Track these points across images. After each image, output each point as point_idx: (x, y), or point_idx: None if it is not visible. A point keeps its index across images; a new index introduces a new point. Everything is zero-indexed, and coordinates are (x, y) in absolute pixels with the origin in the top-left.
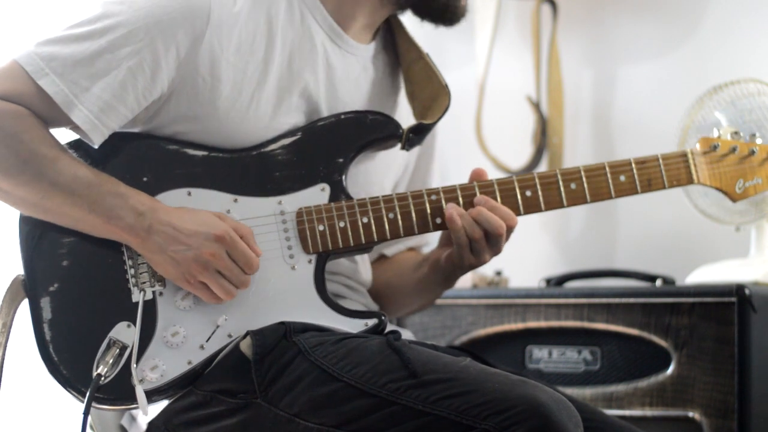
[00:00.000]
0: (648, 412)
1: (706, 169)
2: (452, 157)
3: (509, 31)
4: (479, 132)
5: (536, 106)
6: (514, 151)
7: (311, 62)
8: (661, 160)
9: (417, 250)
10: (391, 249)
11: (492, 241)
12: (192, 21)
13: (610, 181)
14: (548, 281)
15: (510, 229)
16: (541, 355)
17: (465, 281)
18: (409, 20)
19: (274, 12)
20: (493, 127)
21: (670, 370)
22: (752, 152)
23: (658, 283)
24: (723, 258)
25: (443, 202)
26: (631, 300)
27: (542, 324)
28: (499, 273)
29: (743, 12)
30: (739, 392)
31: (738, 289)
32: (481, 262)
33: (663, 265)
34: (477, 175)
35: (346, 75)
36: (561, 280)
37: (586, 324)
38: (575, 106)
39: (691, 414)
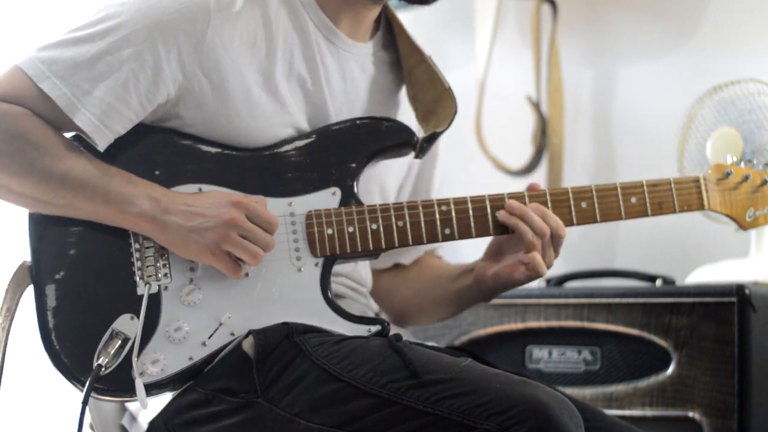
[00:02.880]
0: (648, 412)
1: (717, 195)
2: (452, 157)
3: (509, 31)
4: (479, 132)
5: (536, 106)
6: (514, 151)
7: (309, 61)
8: (673, 185)
9: (435, 253)
10: (407, 257)
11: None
12: (192, 22)
13: (621, 202)
14: (548, 281)
15: (558, 242)
16: (541, 355)
17: None
18: (408, 22)
19: (273, 11)
20: (493, 127)
21: (670, 370)
22: (765, 182)
23: (658, 283)
24: (723, 258)
25: (453, 213)
26: (631, 300)
27: (542, 324)
28: None
29: (743, 12)
30: (739, 392)
31: (738, 289)
32: (528, 280)
33: (663, 265)
34: None
35: (341, 74)
36: (561, 280)
37: (586, 324)
38: (575, 106)
39: (691, 414)
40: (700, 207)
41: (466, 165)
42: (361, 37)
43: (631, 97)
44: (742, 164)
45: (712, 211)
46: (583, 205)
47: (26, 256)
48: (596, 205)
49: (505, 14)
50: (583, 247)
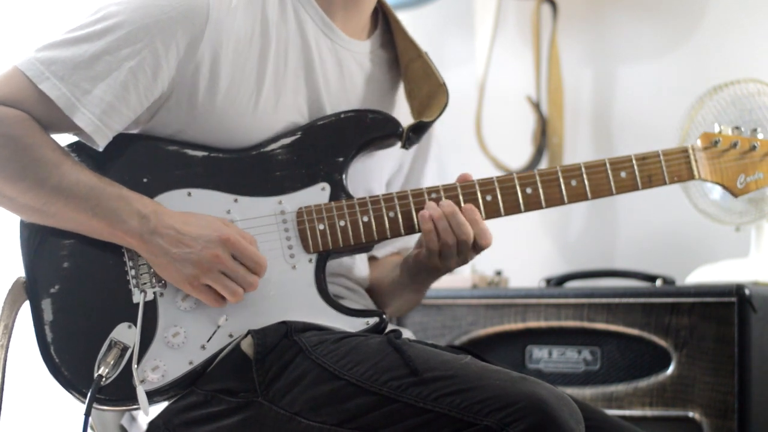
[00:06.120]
0: (648, 412)
1: (707, 164)
2: (452, 157)
3: (509, 31)
4: (479, 132)
5: (536, 106)
6: (514, 151)
7: (306, 58)
8: (661, 156)
9: (402, 254)
10: (381, 251)
11: (461, 249)
12: (191, 20)
13: (610, 177)
14: (548, 281)
15: (480, 248)
16: (541, 355)
17: (465, 281)
18: (408, 22)
19: (269, 7)
20: (493, 127)
21: (670, 370)
22: (753, 147)
23: (658, 283)
24: (723, 258)
25: (443, 200)
26: (631, 300)
27: (542, 324)
28: (499, 273)
29: (743, 12)
30: (739, 392)
31: (738, 289)
32: (446, 269)
33: (663, 265)
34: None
35: (339, 70)
36: (561, 280)
37: (586, 324)
38: (575, 106)
39: (691, 414)
40: (691, 177)
41: (466, 165)
42: (358, 34)
43: (631, 97)
44: (730, 131)
45: (703, 180)
46: (573, 183)
47: (20, 272)
48: (586, 182)
49: (505, 14)
50: (583, 247)
